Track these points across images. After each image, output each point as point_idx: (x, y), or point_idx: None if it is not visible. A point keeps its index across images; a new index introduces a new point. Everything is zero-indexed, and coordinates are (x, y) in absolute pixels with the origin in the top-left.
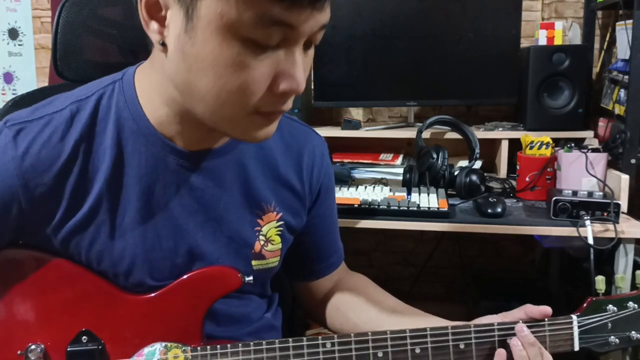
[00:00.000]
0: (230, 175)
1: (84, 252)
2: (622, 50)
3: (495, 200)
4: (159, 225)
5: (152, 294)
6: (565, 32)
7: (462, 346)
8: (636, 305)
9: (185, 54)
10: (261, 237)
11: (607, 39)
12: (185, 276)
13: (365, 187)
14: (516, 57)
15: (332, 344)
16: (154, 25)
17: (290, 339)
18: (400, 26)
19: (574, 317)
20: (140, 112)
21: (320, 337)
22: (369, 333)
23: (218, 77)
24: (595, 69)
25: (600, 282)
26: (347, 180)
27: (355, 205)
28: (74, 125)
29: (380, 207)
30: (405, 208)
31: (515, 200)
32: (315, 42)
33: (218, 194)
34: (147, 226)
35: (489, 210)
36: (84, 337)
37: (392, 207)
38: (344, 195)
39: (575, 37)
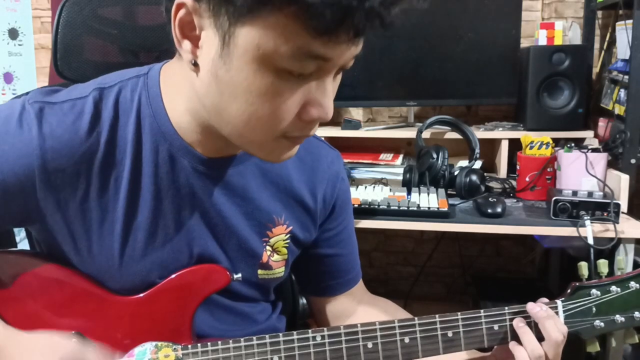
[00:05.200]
0: (243, 185)
1: (94, 247)
2: (622, 50)
3: (495, 200)
4: (170, 228)
5: (141, 295)
6: (565, 32)
7: (450, 334)
8: (619, 289)
9: (219, 78)
10: (268, 248)
11: (607, 39)
12: (173, 275)
13: (365, 187)
14: (516, 57)
15: (322, 337)
16: (186, 44)
17: (281, 334)
18: (400, 26)
19: (559, 302)
20: (162, 111)
21: (310, 331)
22: (359, 325)
23: (249, 104)
24: (595, 69)
25: (583, 267)
26: None
27: (355, 205)
28: (97, 113)
29: (380, 207)
30: (405, 208)
31: (515, 200)
32: (346, 68)
33: (229, 202)
34: (159, 227)
35: (489, 210)
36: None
37: (392, 207)
38: None
39: (575, 37)
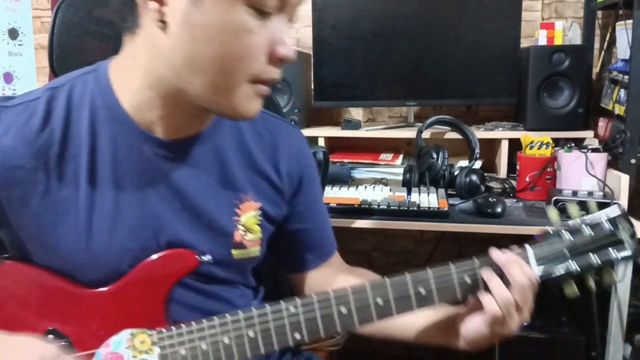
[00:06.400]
0: (207, 165)
1: (61, 242)
2: (622, 50)
3: (495, 200)
4: (136, 215)
5: (112, 285)
6: (565, 32)
7: (422, 291)
8: (591, 231)
9: (192, 24)
10: (240, 227)
11: (607, 39)
12: (141, 263)
13: (365, 187)
14: (516, 57)
15: (295, 307)
16: (153, 5)
17: (254, 308)
18: (400, 26)
19: (528, 247)
20: (114, 100)
21: (282, 302)
22: (330, 292)
23: (224, 44)
24: (595, 69)
25: (552, 212)
26: (347, 180)
27: (355, 205)
28: (49, 112)
29: (380, 207)
30: (405, 208)
31: (515, 200)
32: (293, 18)
33: (195, 182)
34: (124, 215)
35: (489, 210)
36: (50, 335)
37: (392, 207)
38: (344, 195)
39: (575, 37)
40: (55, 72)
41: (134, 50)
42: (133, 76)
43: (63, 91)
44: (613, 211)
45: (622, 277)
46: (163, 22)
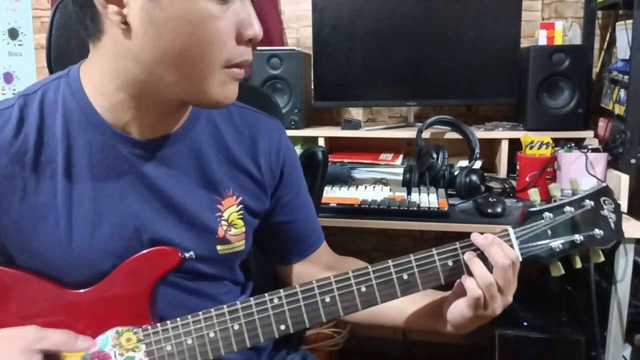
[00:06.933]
0: (185, 162)
1: (43, 246)
2: (622, 50)
3: (495, 200)
4: (116, 215)
5: (97, 285)
6: (565, 32)
7: (405, 277)
8: (573, 209)
9: (154, 21)
10: (223, 222)
11: (607, 39)
12: (124, 262)
13: (365, 187)
14: (516, 57)
15: (280, 299)
16: (112, 8)
17: (238, 302)
18: (400, 26)
19: (510, 228)
20: (87, 103)
21: (266, 294)
22: (314, 281)
23: (191, 34)
24: (595, 69)
25: (533, 194)
26: (347, 180)
27: (355, 205)
28: (23, 118)
29: (380, 207)
30: (405, 208)
31: (515, 200)
32: None
33: (174, 180)
34: (104, 216)
35: (489, 210)
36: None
37: (392, 207)
38: (344, 195)
39: (575, 37)
40: (52, 72)
41: (101, 55)
42: (104, 80)
43: (35, 97)
44: (595, 189)
45: (622, 277)
46: (126, 23)
